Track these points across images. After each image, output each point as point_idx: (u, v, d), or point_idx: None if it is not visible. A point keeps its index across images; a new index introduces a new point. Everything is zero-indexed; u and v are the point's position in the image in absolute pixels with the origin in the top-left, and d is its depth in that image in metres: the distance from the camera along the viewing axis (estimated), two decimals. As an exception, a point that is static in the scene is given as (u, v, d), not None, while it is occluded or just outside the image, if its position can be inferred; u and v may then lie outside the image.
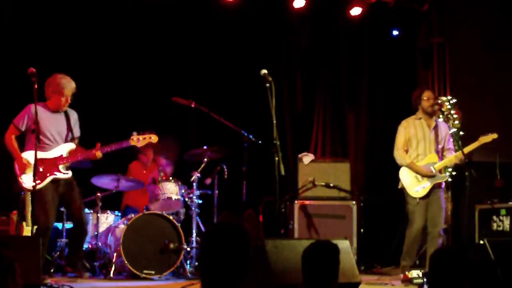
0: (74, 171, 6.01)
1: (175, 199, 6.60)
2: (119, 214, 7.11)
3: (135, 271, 6.09)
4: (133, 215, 6.37)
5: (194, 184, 6.81)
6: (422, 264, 7.13)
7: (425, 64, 8.66)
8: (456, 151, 6.47)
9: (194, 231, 6.70)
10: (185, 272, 6.40)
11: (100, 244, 6.54)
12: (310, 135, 8.73)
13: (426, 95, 6.53)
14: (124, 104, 7.87)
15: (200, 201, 6.89)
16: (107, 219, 6.91)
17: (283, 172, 5.33)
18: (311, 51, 8.82)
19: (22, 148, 5.81)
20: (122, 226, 6.32)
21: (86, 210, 6.75)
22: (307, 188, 7.24)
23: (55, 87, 5.82)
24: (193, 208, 6.79)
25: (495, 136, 6.33)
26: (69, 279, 5.84)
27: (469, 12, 8.43)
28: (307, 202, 7.18)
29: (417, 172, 6.40)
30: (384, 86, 8.83)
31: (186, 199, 6.78)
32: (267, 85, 5.47)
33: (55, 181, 5.83)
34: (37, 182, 5.40)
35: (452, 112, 7.81)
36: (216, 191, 6.99)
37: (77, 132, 6.05)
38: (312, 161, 7.37)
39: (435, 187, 6.39)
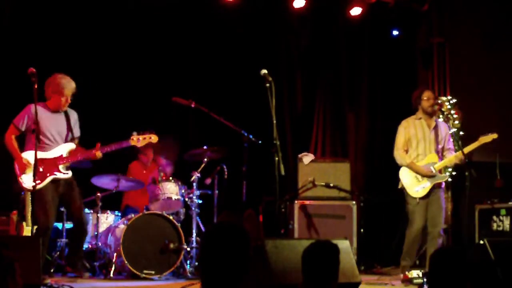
0: (74, 171, 6.01)
1: (175, 199, 6.60)
2: (119, 214, 7.11)
3: (135, 271, 6.09)
4: (133, 215, 6.37)
5: (194, 184, 6.81)
6: (422, 264, 7.13)
7: (425, 64, 8.65)
8: (456, 151, 6.47)
9: (194, 231, 6.70)
10: (185, 272, 6.40)
11: (100, 244, 6.54)
12: (310, 135, 8.73)
13: (426, 95, 6.53)
14: (124, 104, 7.87)
15: (200, 201, 6.89)
16: (107, 219, 6.91)
17: (283, 172, 5.33)
18: (311, 51, 8.82)
19: (22, 148, 5.81)
20: (122, 226, 6.32)
21: (86, 210, 6.75)
22: (307, 188, 7.24)
23: (55, 87, 5.82)
24: (193, 208, 6.79)
25: (495, 136, 6.33)
26: (69, 279, 5.84)
27: (469, 12, 8.43)
28: (307, 202, 7.18)
29: (417, 172, 6.40)
30: (384, 86, 8.83)
31: (186, 199, 6.78)
32: (267, 85, 5.47)
33: (55, 181, 5.82)
34: (37, 182, 5.40)
35: (452, 112, 7.81)
36: (216, 191, 6.99)
37: (77, 132, 6.05)
38: (312, 161, 7.36)
39: (435, 187, 6.39)
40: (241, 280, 2.52)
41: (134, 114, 7.73)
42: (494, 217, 7.10)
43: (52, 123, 5.87)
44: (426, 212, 6.36)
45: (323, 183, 7.22)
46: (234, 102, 8.06)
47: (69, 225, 6.53)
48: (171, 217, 6.40)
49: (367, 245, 7.49)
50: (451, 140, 6.55)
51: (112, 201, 7.12)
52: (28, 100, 5.56)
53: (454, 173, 7.71)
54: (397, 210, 7.15)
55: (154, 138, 6.06)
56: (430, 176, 6.36)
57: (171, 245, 6.24)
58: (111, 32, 7.85)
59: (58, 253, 6.56)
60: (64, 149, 5.90)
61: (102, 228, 6.76)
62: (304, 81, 8.85)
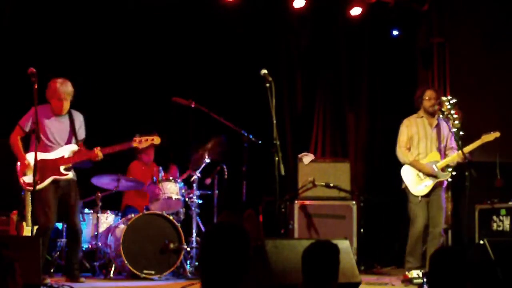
0: (74, 171, 6.00)
1: (175, 199, 6.60)
2: (119, 214, 7.11)
3: (135, 271, 6.09)
4: (133, 215, 6.37)
5: (194, 184, 6.81)
6: (422, 264, 7.12)
7: (425, 64, 8.65)
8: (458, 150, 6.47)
9: (194, 231, 6.70)
10: (185, 272, 6.40)
11: (100, 244, 6.54)
12: (310, 135, 8.73)
13: (428, 94, 6.54)
14: (124, 104, 7.86)
15: (200, 201, 6.89)
16: (107, 219, 6.90)
17: (283, 172, 5.33)
18: (311, 51, 8.82)
19: (27, 150, 5.82)
20: (122, 226, 6.32)
21: (86, 210, 6.76)
22: (307, 188, 7.24)
23: (50, 93, 5.89)
24: (193, 208, 6.79)
25: (497, 134, 6.35)
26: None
27: (469, 12, 8.42)
28: (307, 202, 7.18)
29: (420, 170, 6.40)
30: (384, 86, 8.83)
31: (186, 199, 6.78)
32: (267, 85, 5.47)
33: (55, 182, 5.83)
34: (38, 182, 5.41)
35: (452, 112, 7.80)
36: (216, 191, 6.99)
37: (81, 134, 6.06)
38: (312, 161, 7.36)
39: (437, 186, 6.40)
40: (241, 280, 2.52)
41: (134, 114, 7.73)
42: (494, 217, 7.09)
43: (55, 125, 5.90)
44: (427, 210, 6.37)
45: (323, 183, 7.22)
46: (234, 102, 8.06)
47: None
48: (171, 217, 6.40)
49: (367, 245, 7.49)
50: (454, 138, 6.55)
51: (112, 201, 7.12)
52: (28, 100, 5.56)
53: (454, 173, 7.70)
54: (397, 210, 7.14)
55: (156, 140, 6.06)
56: (433, 175, 6.36)
57: (171, 245, 6.24)
58: (111, 32, 7.85)
59: (58, 253, 6.56)
60: (66, 150, 5.91)
61: (102, 228, 6.75)
62: (304, 81, 8.85)
